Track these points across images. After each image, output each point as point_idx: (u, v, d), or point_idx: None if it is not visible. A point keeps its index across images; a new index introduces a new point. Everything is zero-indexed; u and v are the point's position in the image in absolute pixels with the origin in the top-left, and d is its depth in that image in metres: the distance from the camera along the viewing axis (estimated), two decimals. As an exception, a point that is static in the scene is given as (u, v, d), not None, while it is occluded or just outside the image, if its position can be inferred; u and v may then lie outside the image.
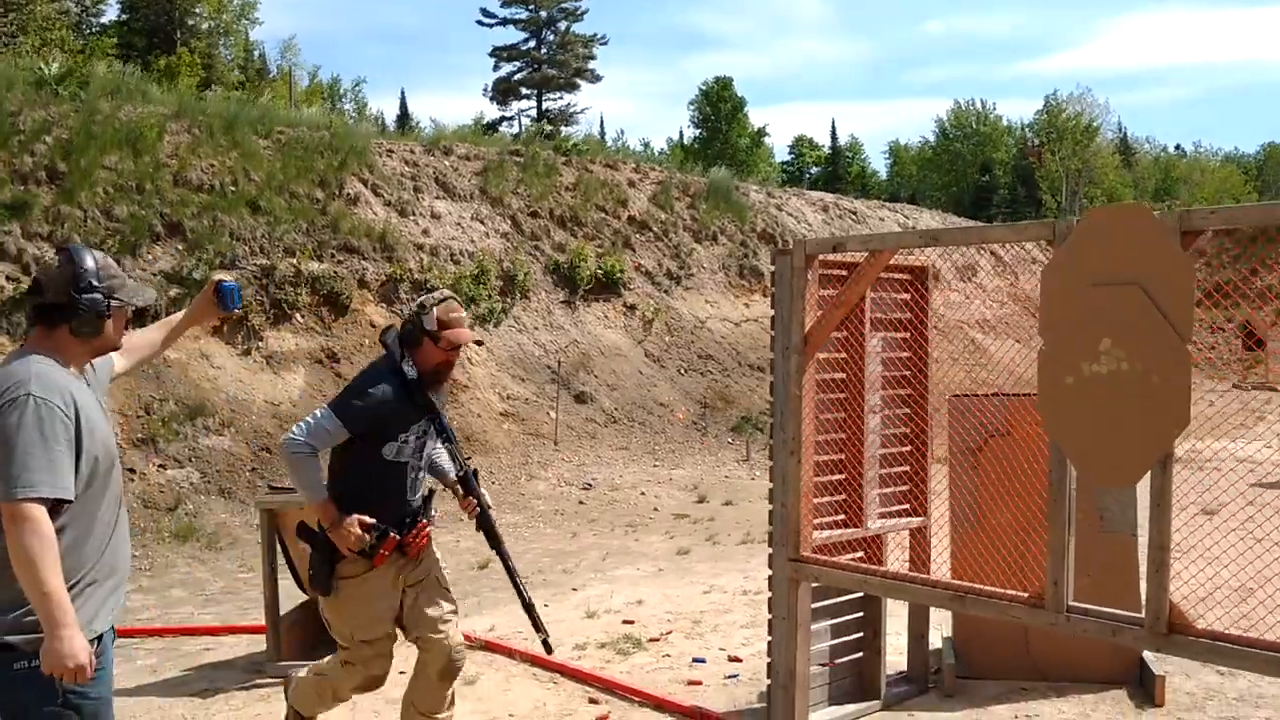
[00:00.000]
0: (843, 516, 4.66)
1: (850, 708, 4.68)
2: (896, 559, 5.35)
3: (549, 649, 4.04)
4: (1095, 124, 57.91)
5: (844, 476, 4.68)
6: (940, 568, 4.87)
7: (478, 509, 3.91)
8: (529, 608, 3.89)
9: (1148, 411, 3.38)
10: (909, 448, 4.97)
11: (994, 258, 23.74)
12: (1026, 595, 3.70)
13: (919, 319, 5.02)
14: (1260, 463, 11.62)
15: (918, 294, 5.03)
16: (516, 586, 3.89)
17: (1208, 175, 63.94)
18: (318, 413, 3.69)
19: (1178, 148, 74.41)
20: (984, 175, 58.22)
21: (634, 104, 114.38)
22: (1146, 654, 4.96)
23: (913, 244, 4.48)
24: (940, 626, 5.37)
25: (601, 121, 76.41)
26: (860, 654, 4.79)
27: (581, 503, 11.17)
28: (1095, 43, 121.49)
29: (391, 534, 3.70)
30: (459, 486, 3.97)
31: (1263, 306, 23.28)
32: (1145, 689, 4.88)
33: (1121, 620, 3.44)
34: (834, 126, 71.90)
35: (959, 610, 4.42)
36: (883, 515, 4.80)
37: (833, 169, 65.11)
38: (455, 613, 3.94)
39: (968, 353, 18.29)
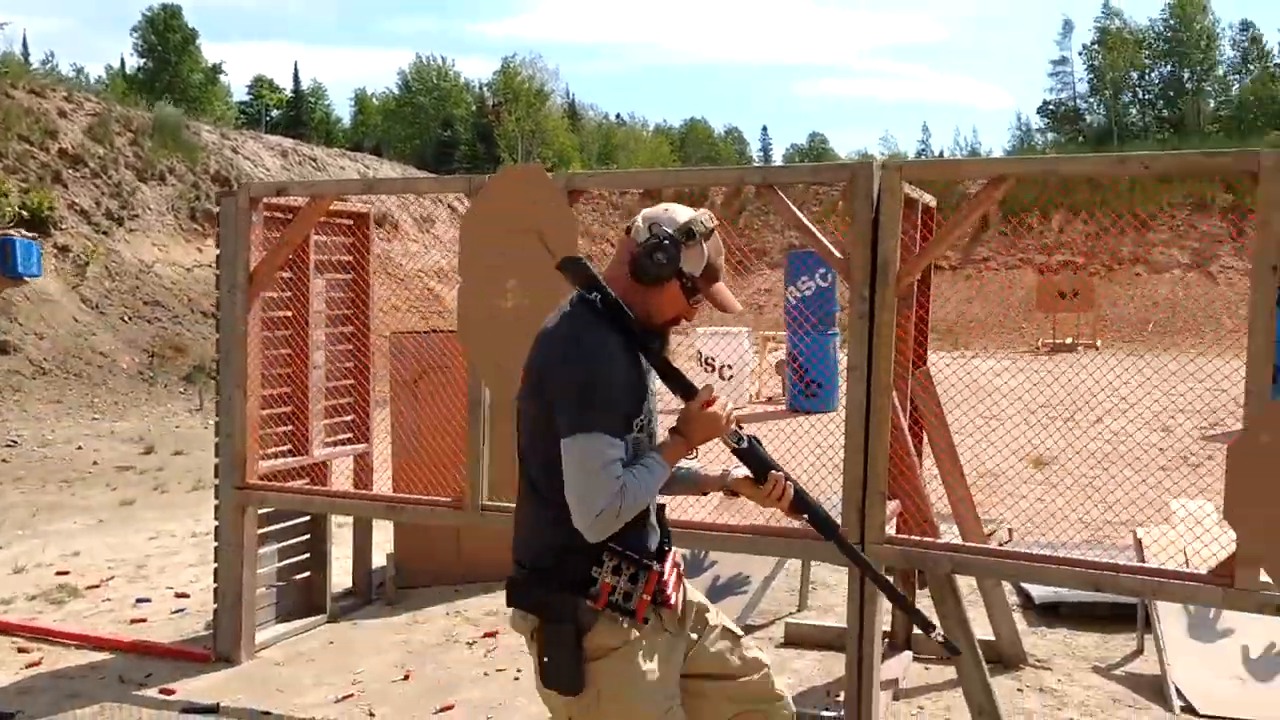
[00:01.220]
0: (289, 447, 4.95)
1: (297, 623, 5.01)
2: (344, 484, 5.75)
3: (953, 650, 2.61)
4: (547, 88, 62.17)
5: (290, 409, 4.96)
6: (383, 489, 5.36)
7: (788, 487, 2.39)
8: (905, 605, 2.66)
9: (542, 339, 4.07)
10: (352, 381, 5.37)
11: (451, 210, 24.83)
12: (449, 499, 4.29)
13: (361, 262, 5.42)
14: (663, 393, 13.66)
15: (359, 239, 5.41)
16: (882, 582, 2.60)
17: (641, 144, 71.44)
18: (573, 448, 2.16)
19: (618, 116, 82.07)
20: (446, 130, 60.01)
21: (65, 23, 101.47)
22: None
23: (350, 191, 4.87)
24: (386, 547, 5.86)
25: (25, 41, 66.96)
26: (308, 573, 5.14)
27: (4, 460, 10.19)
28: (548, 11, 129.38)
29: (654, 567, 2.30)
30: (733, 473, 2.50)
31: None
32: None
33: (523, 512, 4.14)
34: (297, 70, 69.57)
35: (394, 519, 4.95)
36: (328, 444, 5.17)
37: (295, 114, 63.24)
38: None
39: (425, 300, 19.10)
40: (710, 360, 13.12)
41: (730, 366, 12.99)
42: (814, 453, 4.93)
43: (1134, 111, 59.34)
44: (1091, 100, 60.76)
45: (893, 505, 3.78)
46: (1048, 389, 10.06)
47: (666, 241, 2.28)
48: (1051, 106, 62.59)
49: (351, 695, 4.33)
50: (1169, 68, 56.84)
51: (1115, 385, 7.50)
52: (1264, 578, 3.17)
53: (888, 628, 4.63)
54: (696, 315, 2.46)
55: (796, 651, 4.80)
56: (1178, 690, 4.21)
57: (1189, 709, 4.15)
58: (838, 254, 3.89)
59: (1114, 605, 5.05)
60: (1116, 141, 48.81)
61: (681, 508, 3.98)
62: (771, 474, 2.37)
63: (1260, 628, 4.36)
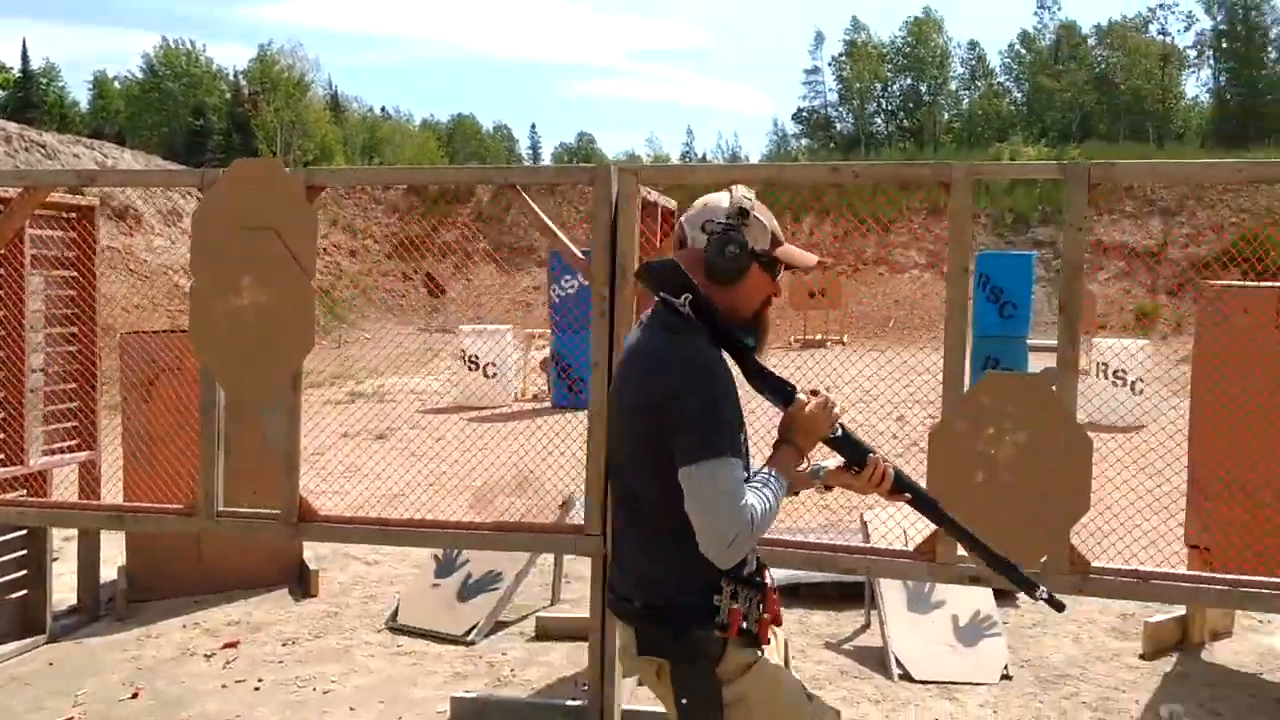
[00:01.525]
0: (1, 456, 4.58)
1: (12, 645, 4.65)
2: (68, 494, 5.37)
3: (1059, 606, 2.32)
4: (307, 78, 59.88)
5: (3, 415, 4.60)
6: (113, 498, 5.04)
7: (887, 469, 2.27)
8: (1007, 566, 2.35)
9: (280, 338, 3.95)
10: (76, 385, 5.03)
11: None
12: (180, 506, 4.09)
13: (85, 258, 5.08)
14: (427, 392, 13.50)
15: (84, 233, 5.07)
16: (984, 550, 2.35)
17: (408, 138, 70.02)
18: (699, 474, 2.03)
19: (383, 110, 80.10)
20: (198, 119, 56.79)
21: None
22: (306, 552, 5.72)
23: (68, 183, 4.55)
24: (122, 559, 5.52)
25: None
26: (24, 591, 4.77)
27: None
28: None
29: (768, 586, 2.26)
30: (823, 465, 2.34)
31: (444, 259, 26.38)
32: (303, 584, 5.61)
33: (261, 517, 4.01)
34: (25, 47, 63.98)
35: (121, 529, 4.68)
36: (47, 452, 4.82)
37: (23, 95, 58.11)
38: None
39: (172, 298, 18.04)
40: (474, 358, 13.06)
41: (494, 365, 12.97)
42: (581, 448, 5.01)
43: (879, 121, 63.23)
44: (841, 109, 64.31)
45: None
46: (798, 383, 10.64)
47: (730, 231, 2.18)
48: (805, 113, 65.81)
49: (71, 719, 4.07)
50: (909, 81, 60.92)
51: (858, 378, 8.02)
52: (961, 551, 3.49)
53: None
54: (783, 289, 2.36)
55: (549, 644, 4.88)
56: (897, 659, 4.56)
57: (906, 676, 4.51)
58: (579, 254, 3.98)
59: (845, 585, 5.40)
60: (864, 148, 51.87)
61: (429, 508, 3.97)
62: (869, 458, 2.25)
63: (968, 598, 4.78)
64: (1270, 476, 4.42)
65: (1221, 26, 53.15)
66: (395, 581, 5.81)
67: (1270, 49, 51.98)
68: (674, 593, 2.14)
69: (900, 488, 2.27)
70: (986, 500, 3.38)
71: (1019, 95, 60.79)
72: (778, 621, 2.29)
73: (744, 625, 2.13)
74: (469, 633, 4.89)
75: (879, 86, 61.43)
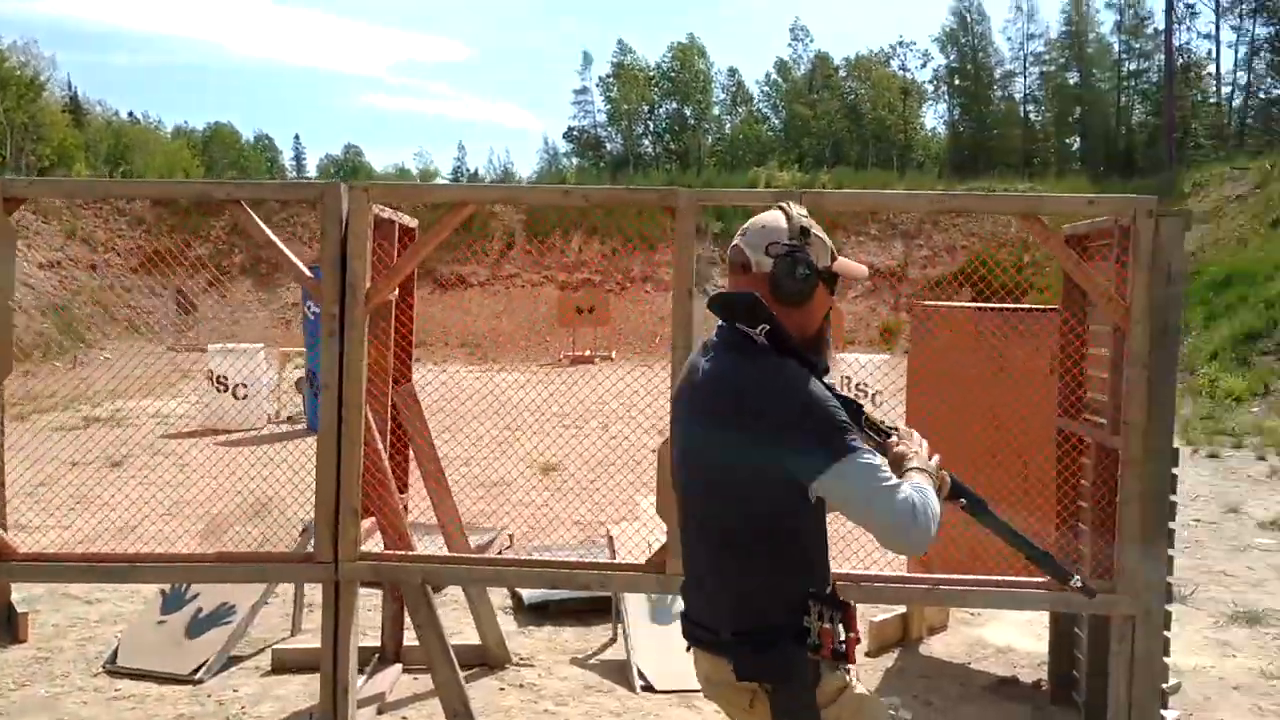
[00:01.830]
0: None
1: None
2: None
3: (1091, 593, 2.65)
4: (43, 78, 55.40)
5: None
6: None
7: (945, 478, 2.29)
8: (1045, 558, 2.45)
9: (-29, 362, 3.63)
10: None
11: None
12: None
13: None
14: (172, 415, 12.74)
15: None
16: (1026, 544, 2.42)
17: (159, 145, 65.94)
18: (844, 475, 1.99)
19: (130, 114, 75.14)
20: (-90, 118, 51.45)
21: None
22: (15, 594, 5.25)
23: None
24: None
25: None
26: None
27: None
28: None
29: (851, 605, 2.20)
30: None
31: (196, 274, 24.99)
32: (10, 629, 5.15)
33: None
34: None
35: None
36: None
37: None
38: None
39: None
40: (223, 379, 12.42)
41: (245, 385, 12.38)
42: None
43: (647, 142, 64.72)
44: (611, 129, 65.43)
45: (369, 522, 3.82)
46: (564, 399, 10.70)
47: (797, 252, 2.14)
48: (575, 133, 66.57)
49: None
50: (675, 104, 62.70)
51: (624, 394, 8.16)
52: (689, 563, 3.61)
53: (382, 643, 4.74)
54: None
55: (286, 677, 4.69)
56: (639, 671, 4.66)
57: (649, 687, 4.60)
58: (307, 271, 3.87)
59: (596, 600, 5.46)
60: (632, 168, 52.96)
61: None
62: (901, 452, 2.24)
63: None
64: (975, 479, 4.81)
65: (954, 64, 57.50)
66: (119, 620, 5.43)
67: (996, 87, 56.70)
68: (764, 617, 2.12)
69: (955, 493, 2.31)
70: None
71: (777, 122, 63.69)
72: (859, 642, 2.25)
73: (835, 645, 2.11)
74: (198, 670, 4.63)
75: (646, 109, 62.95)
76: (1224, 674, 5.04)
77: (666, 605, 4.96)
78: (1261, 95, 43.55)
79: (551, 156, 69.72)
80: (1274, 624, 5.77)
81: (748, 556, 2.13)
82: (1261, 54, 43.16)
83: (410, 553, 3.79)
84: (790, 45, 67.18)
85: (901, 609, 5.27)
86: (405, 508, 4.66)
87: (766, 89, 64.19)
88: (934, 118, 71.03)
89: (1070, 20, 52.53)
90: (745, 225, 2.23)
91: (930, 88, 60.75)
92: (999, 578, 3.70)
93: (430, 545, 4.54)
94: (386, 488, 3.88)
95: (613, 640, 5.19)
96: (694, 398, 2.21)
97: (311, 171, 76.40)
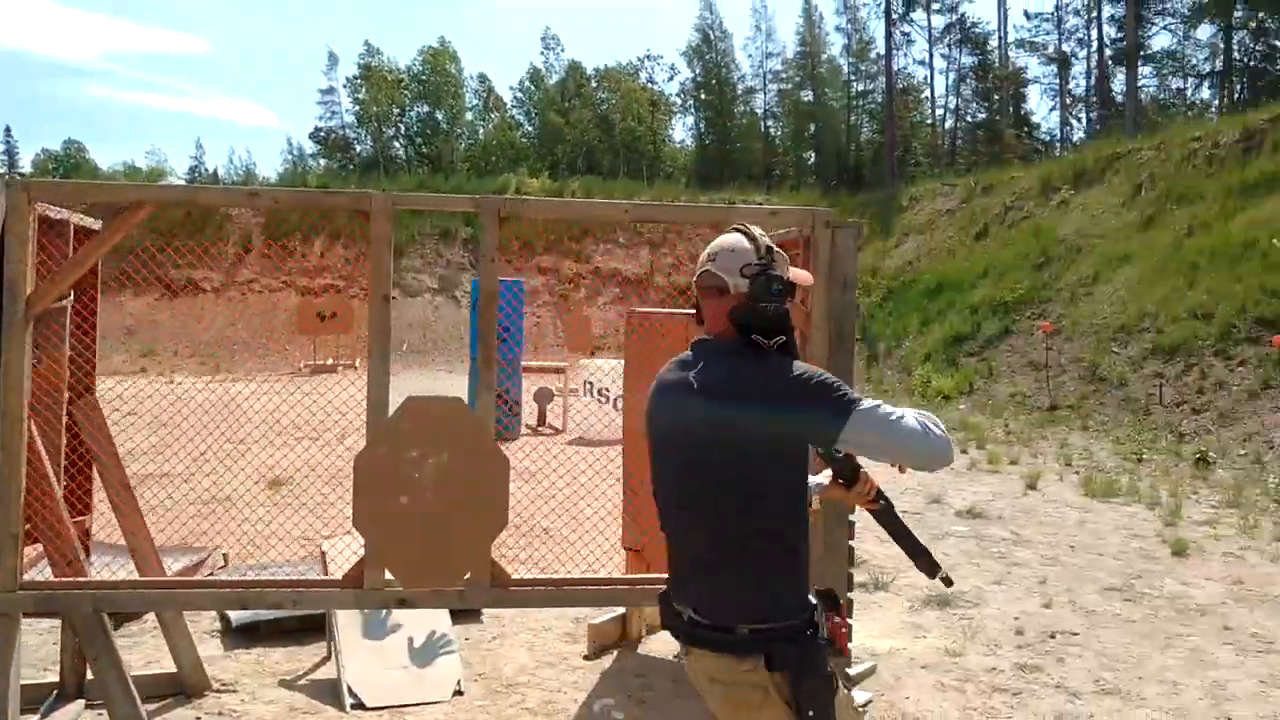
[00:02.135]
0: None
1: None
2: None
3: (949, 583, 2.68)
4: None
5: None
6: None
7: (874, 485, 2.54)
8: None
9: None
10: None
11: None
12: None
13: None
14: None
15: None
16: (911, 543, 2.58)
17: None
18: (859, 424, 2.20)
19: None
20: None
21: None
22: None
23: None
24: None
25: None
26: None
27: None
28: None
29: (840, 600, 2.44)
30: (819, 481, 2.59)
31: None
32: None
33: None
34: None
35: None
36: None
37: None
38: None
39: None
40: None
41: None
42: None
43: (398, 145, 63.37)
44: (360, 131, 63.62)
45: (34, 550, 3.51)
46: (299, 410, 10.27)
47: (769, 270, 2.34)
48: (323, 134, 64.30)
49: None
50: (426, 109, 61.72)
51: (363, 403, 7.89)
52: (389, 576, 3.53)
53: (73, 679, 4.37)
54: None
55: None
56: (349, 689, 4.51)
57: (359, 704, 4.47)
58: (-43, 276, 3.52)
59: (309, 618, 5.26)
60: (382, 171, 51.67)
61: None
62: (862, 473, 2.50)
63: (425, 619, 4.86)
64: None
65: (699, 79, 59.57)
66: None
67: (738, 102, 59.16)
68: (779, 613, 2.27)
69: (878, 498, 2.53)
70: (412, 522, 3.44)
71: (531, 129, 63.91)
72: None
73: (838, 635, 2.35)
74: None
75: (397, 111, 61.62)
76: (914, 654, 5.43)
77: (381, 619, 4.84)
78: (969, 119, 47.59)
79: (298, 157, 67.12)
80: (961, 605, 6.28)
81: (763, 557, 2.28)
82: (968, 81, 47.18)
83: (80, 579, 3.51)
84: (543, 54, 67.65)
85: (620, 610, 5.37)
86: (88, 530, 4.33)
87: (521, 95, 64.29)
88: (683, 130, 73.31)
89: (804, 41, 55.54)
90: (712, 250, 2.40)
91: (678, 101, 62.64)
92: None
93: (123, 569, 4.23)
94: (54, 511, 3.57)
95: (326, 659, 5.02)
96: (706, 403, 2.29)
97: (26, 168, 70.07)
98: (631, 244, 28.65)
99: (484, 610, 5.68)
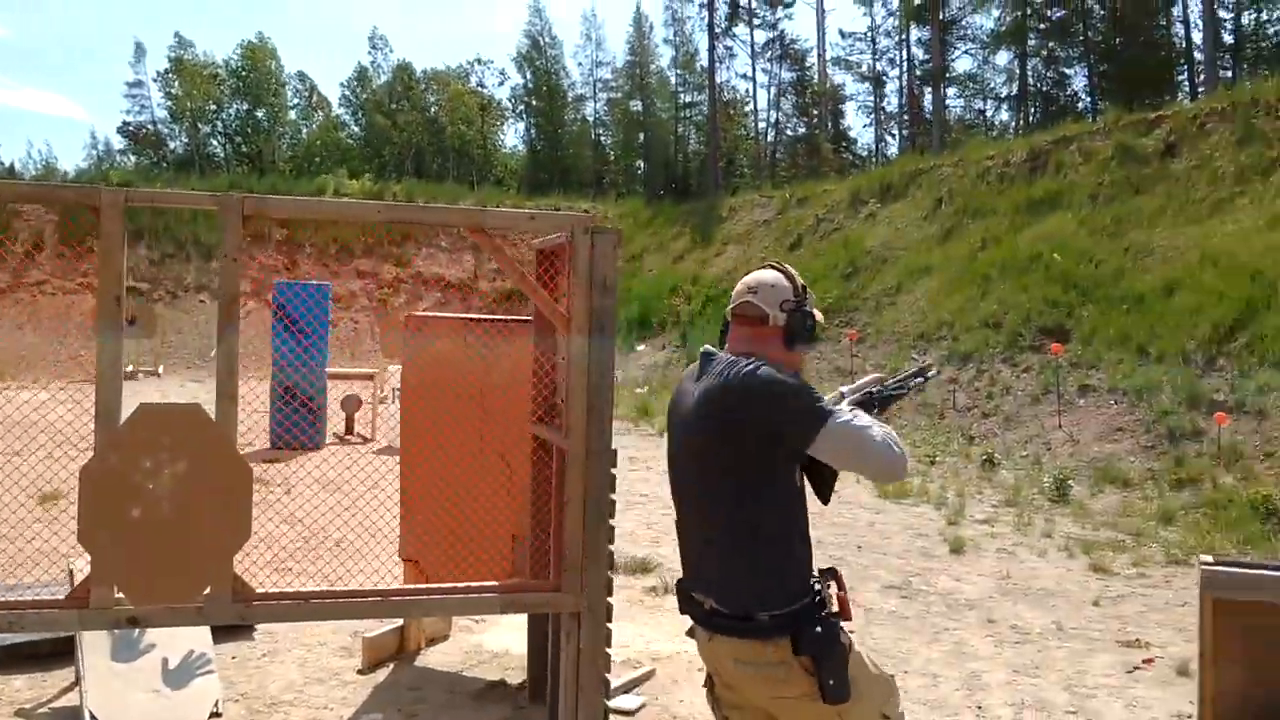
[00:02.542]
0: None
1: None
2: None
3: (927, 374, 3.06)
4: None
5: None
6: None
7: None
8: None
9: None
10: None
11: None
12: None
13: None
14: None
15: None
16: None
17: None
18: (830, 434, 2.50)
19: None
20: None
21: None
22: None
23: None
24: None
25: None
26: None
27: None
28: None
29: (839, 572, 2.69)
30: None
31: None
32: None
33: None
34: None
35: None
36: None
37: None
38: None
39: None
40: None
41: None
42: None
43: (216, 143, 60.75)
44: (174, 127, 60.69)
45: None
46: (88, 419, 9.63)
47: (806, 306, 2.70)
48: (132, 129, 61.02)
49: None
50: (246, 105, 59.41)
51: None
52: (119, 594, 3.31)
53: None
54: None
55: None
56: (92, 715, 4.23)
57: (103, 731, 4.20)
58: None
59: (58, 641, 4.92)
60: (198, 169, 49.41)
61: None
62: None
63: (182, 638, 4.61)
64: (468, 489, 4.88)
65: (530, 85, 59.42)
66: None
67: (569, 110, 59.28)
68: (793, 597, 2.50)
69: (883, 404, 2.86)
70: (145, 536, 3.25)
71: (358, 129, 62.38)
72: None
73: (850, 609, 2.61)
74: None
75: (214, 107, 59.08)
76: (695, 657, 5.48)
77: (133, 640, 4.57)
78: (789, 133, 49.10)
79: (105, 152, 63.48)
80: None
81: (771, 544, 2.53)
82: (787, 95, 48.66)
83: None
84: (370, 53, 66.11)
85: (398, 622, 5.24)
86: None
87: (348, 95, 62.64)
88: (515, 136, 72.93)
89: (634, 51, 56.14)
90: (753, 284, 2.72)
91: (509, 105, 62.29)
92: (451, 585, 3.74)
93: None
94: None
95: (75, 683, 4.70)
96: (708, 403, 2.59)
97: None
98: (455, 248, 28.26)
99: (256, 627, 5.45)
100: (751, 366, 2.56)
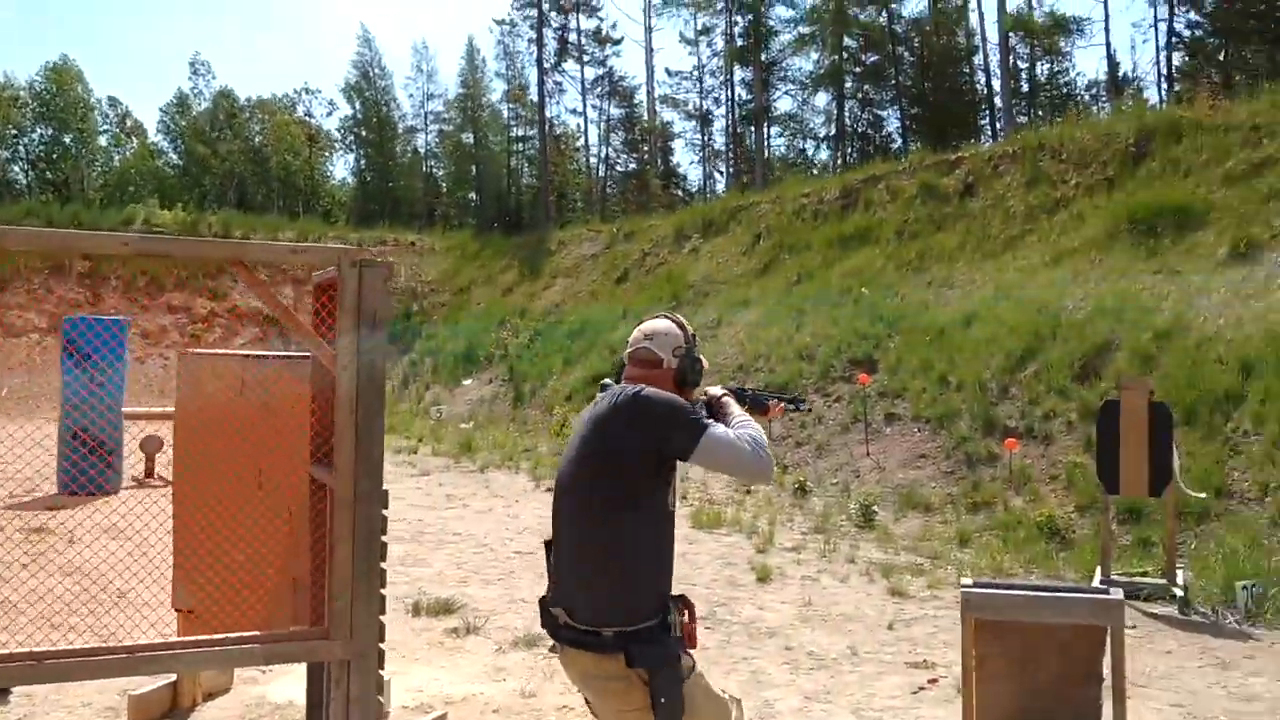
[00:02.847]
0: None
1: None
2: None
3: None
4: None
5: None
6: None
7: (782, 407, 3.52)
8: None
9: None
10: None
11: None
12: None
13: None
14: None
15: None
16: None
17: None
18: (706, 443, 2.76)
19: None
20: None
21: None
22: None
23: None
24: None
25: None
26: None
27: None
28: None
29: (691, 602, 2.91)
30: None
31: None
32: None
33: None
34: None
35: None
36: None
37: None
38: None
39: None
40: None
41: None
42: None
43: (18, 169, 57.20)
44: (-30, 152, 56.82)
45: None
46: None
47: (695, 352, 3.02)
48: (-81, 152, 56.81)
49: None
50: (51, 130, 56.23)
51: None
52: None
53: None
54: None
55: None
56: None
57: None
58: None
59: None
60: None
61: None
62: (769, 404, 3.35)
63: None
64: (247, 533, 4.65)
65: (359, 115, 58.32)
66: None
67: (399, 142, 58.44)
68: (641, 616, 2.69)
69: (755, 407, 3.26)
70: None
71: (176, 158, 59.90)
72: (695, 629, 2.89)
73: (689, 635, 2.81)
74: None
75: (14, 132, 55.62)
76: (490, 698, 5.39)
77: None
78: (618, 168, 49.71)
79: (-115, 177, 58.88)
80: (545, 643, 6.33)
81: (626, 563, 2.72)
82: (617, 131, 49.33)
83: None
84: (191, 79, 63.59)
85: (171, 677, 4.95)
86: None
87: (166, 121, 60.03)
88: (344, 167, 71.41)
89: (466, 84, 55.88)
90: (649, 331, 3.02)
91: (338, 136, 60.97)
92: (208, 637, 3.55)
93: None
94: None
95: None
96: (593, 423, 2.87)
97: None
98: (275, 280, 27.34)
99: (13, 689, 5.04)
100: (637, 388, 2.83)
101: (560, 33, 45.55)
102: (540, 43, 43.94)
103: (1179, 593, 7.49)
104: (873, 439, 12.86)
